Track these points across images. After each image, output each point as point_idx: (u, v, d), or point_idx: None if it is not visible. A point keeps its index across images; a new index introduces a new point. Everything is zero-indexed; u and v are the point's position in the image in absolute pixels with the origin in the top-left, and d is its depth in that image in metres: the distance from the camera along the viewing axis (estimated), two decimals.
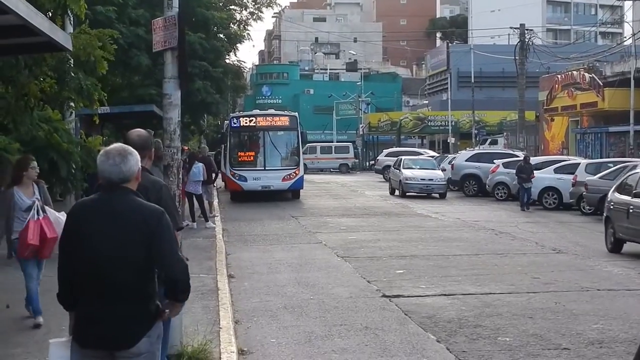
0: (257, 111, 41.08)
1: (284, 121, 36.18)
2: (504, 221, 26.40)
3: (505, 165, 36.53)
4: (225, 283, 13.89)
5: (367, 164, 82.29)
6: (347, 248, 19.57)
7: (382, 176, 57.00)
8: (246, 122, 35.99)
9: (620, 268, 16.35)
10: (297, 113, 38.41)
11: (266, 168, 34.76)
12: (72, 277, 5.10)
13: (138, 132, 6.98)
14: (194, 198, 23.83)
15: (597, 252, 19.01)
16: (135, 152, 5.22)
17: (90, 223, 5.03)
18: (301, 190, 36.20)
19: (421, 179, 37.72)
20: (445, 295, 13.36)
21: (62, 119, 18.80)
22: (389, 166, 55.56)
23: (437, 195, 37.53)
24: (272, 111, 40.24)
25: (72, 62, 16.42)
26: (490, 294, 13.44)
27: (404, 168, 39.00)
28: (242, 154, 35.62)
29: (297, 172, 34.90)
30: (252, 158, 35.58)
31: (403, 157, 42.00)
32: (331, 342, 10.28)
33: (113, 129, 36.13)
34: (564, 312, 11.98)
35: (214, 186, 28.09)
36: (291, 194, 36.06)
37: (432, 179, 37.74)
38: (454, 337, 10.46)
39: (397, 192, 39.00)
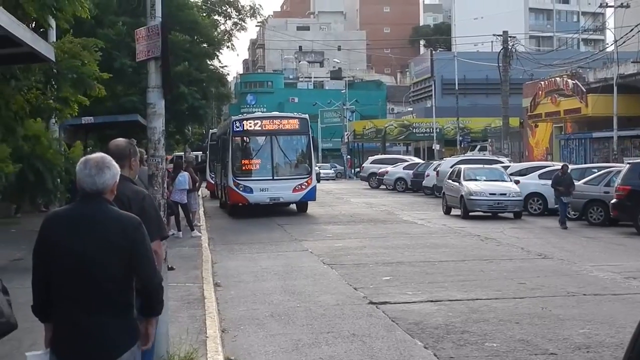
0: (259, 113, 38.81)
1: (294, 124, 32.25)
2: (489, 227, 26.41)
3: None
4: (212, 292, 13.84)
5: (353, 171, 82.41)
6: (333, 255, 19.54)
7: (367, 183, 57.12)
8: (250, 126, 31.78)
9: (606, 273, 16.38)
10: (307, 115, 34.08)
11: (275, 178, 31.06)
12: (50, 289, 5.03)
13: (117, 142, 6.95)
14: (179, 207, 23.76)
15: (582, 257, 19.04)
16: (115, 166, 5.17)
17: (68, 233, 4.96)
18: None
19: (490, 194, 29.86)
20: (432, 301, 13.35)
21: (46, 129, 18.82)
22: (374, 173, 55.77)
23: (510, 215, 30.19)
24: (276, 113, 37.32)
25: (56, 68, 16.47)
26: (477, 299, 13.44)
27: (465, 180, 31.21)
28: (247, 162, 31.73)
29: (309, 182, 31.41)
30: (258, 166, 31.59)
31: (463, 167, 33.54)
32: (318, 350, 10.25)
33: (97, 139, 36.03)
34: (551, 317, 11.99)
35: (199, 195, 28.00)
36: (297, 207, 32.57)
37: (504, 194, 29.98)
38: (441, 344, 10.45)
39: (454, 212, 31.87)
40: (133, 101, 32.43)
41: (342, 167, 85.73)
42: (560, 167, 29.12)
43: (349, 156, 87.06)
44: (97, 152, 5.35)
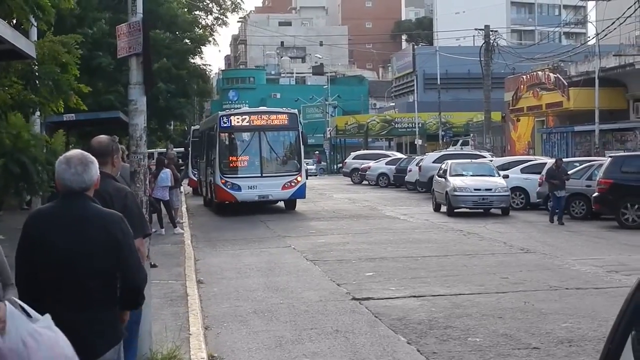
0: (246, 108, 38.28)
1: (283, 120, 31.33)
2: (472, 222, 26.45)
3: None
4: (195, 289, 13.82)
5: (335, 167, 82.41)
6: (316, 251, 19.54)
7: (350, 179, 57.12)
8: (238, 122, 30.95)
9: (589, 267, 16.44)
10: (296, 110, 32.88)
11: (263, 175, 30.25)
12: (34, 286, 5.01)
13: (99, 139, 6.92)
14: (162, 204, 23.70)
15: (564, 251, 19.11)
16: (95, 160, 5.18)
17: (52, 231, 4.96)
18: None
19: (475, 189, 28.75)
20: (415, 296, 13.37)
21: (27, 122, 18.74)
22: (356, 169, 55.77)
23: (498, 211, 29.31)
24: (264, 108, 36.79)
25: (36, 70, 16.45)
26: (460, 294, 13.47)
27: (451, 175, 30.11)
28: (235, 158, 30.85)
29: (298, 179, 30.53)
30: (246, 163, 30.67)
31: (450, 162, 32.40)
32: (302, 346, 10.25)
33: (77, 136, 35.88)
34: (533, 311, 12.03)
35: (181, 192, 27.92)
36: (285, 205, 31.95)
37: (490, 189, 28.91)
38: (424, 339, 10.46)
39: (444, 209, 30.29)
40: (111, 100, 32.30)
41: (325, 163, 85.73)
42: (554, 161, 28.12)
43: (317, 152, 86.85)
44: (74, 150, 5.32)
